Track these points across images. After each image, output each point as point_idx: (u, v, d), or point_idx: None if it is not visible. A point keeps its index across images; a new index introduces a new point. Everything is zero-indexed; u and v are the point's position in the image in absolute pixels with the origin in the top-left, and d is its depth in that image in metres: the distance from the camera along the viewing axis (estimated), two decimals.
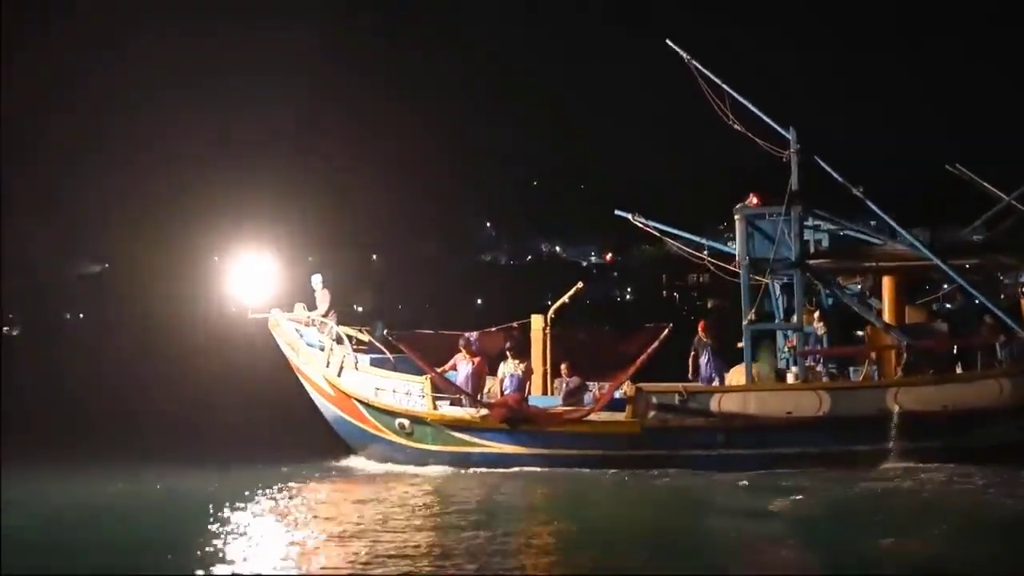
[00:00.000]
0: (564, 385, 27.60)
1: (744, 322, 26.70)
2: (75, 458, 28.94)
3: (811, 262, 26.96)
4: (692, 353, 27.53)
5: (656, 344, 25.60)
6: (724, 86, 27.50)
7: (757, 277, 27.38)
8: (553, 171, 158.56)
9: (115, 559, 18.94)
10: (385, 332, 27.76)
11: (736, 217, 27.09)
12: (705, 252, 29.80)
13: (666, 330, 25.64)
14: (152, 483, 25.68)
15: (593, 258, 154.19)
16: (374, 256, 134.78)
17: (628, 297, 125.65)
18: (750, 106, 27.33)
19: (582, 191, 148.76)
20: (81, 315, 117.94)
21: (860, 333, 28.54)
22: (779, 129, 27.15)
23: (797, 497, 23.33)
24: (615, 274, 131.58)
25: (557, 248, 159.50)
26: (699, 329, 27.47)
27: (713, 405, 25.76)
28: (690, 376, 27.31)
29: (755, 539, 20.34)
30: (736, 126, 27.41)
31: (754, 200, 27.10)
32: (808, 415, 25.41)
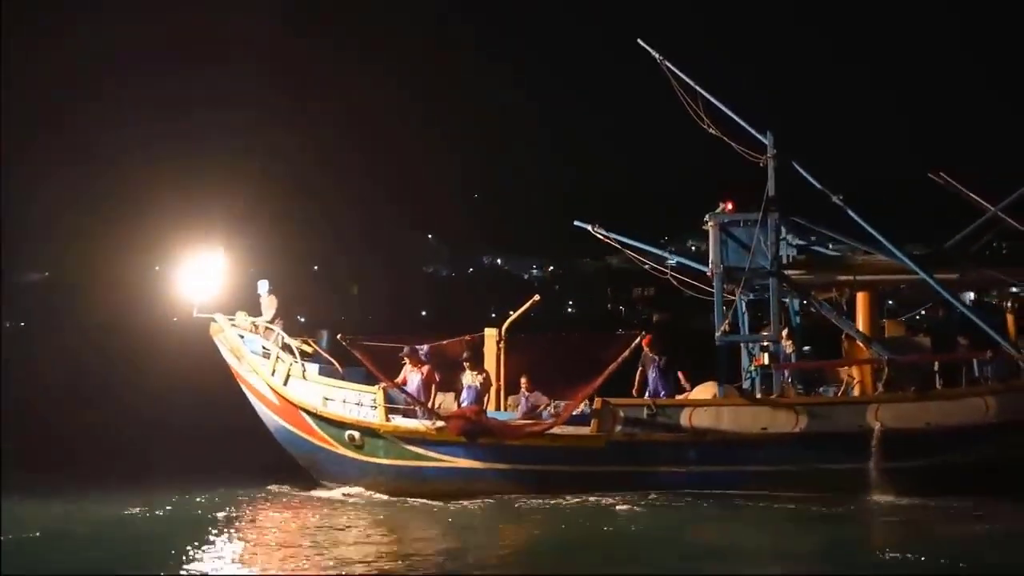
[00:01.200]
0: (523, 401, 26.94)
1: (717, 334, 26.16)
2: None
3: (788, 272, 26.43)
4: (639, 369, 26.83)
5: (626, 353, 25.05)
6: (698, 88, 27.05)
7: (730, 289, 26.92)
8: (495, 183, 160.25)
9: None
10: (339, 336, 26.94)
11: (709, 224, 26.58)
12: (670, 264, 29.25)
13: (639, 338, 25.11)
14: (91, 508, 24.81)
15: (535, 271, 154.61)
16: (315, 267, 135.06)
17: (571, 311, 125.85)
18: (725, 109, 26.88)
19: (524, 203, 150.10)
20: (22, 323, 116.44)
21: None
22: (755, 133, 26.67)
23: (772, 519, 23.02)
24: (556, 287, 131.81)
25: (499, 260, 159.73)
26: (644, 344, 26.68)
27: (683, 420, 25.19)
28: (634, 393, 26.64)
29: (726, 565, 19.80)
30: (711, 130, 26.95)
31: (728, 206, 26.62)
32: (784, 431, 24.89)
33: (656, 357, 26.51)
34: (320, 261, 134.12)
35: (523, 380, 26.97)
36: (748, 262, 26.10)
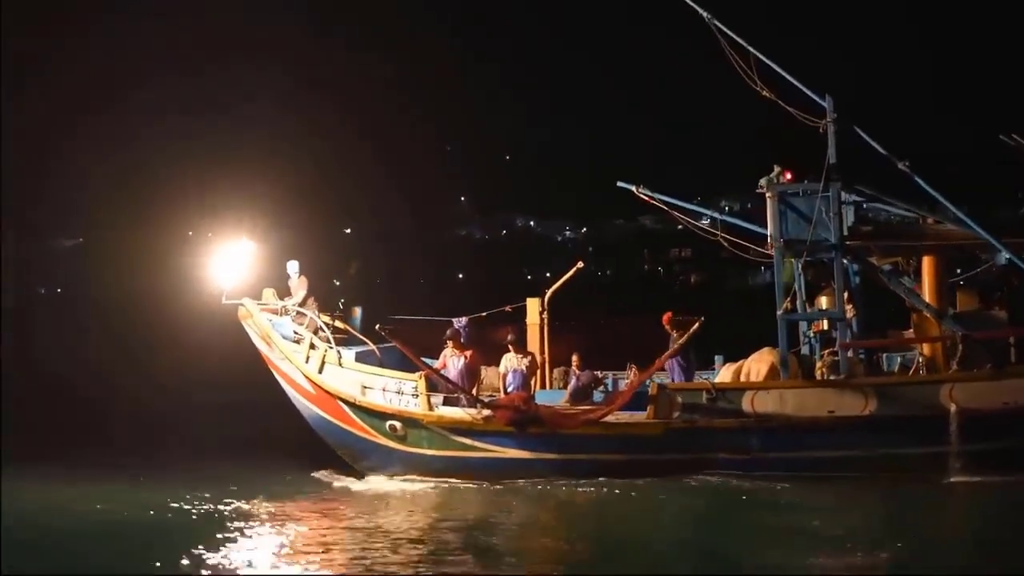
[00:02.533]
0: (574, 379, 26.45)
1: (779, 311, 25.55)
2: (39, 463, 28.05)
3: (852, 243, 25.77)
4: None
5: (685, 339, 24.51)
6: (750, 48, 26.28)
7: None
8: (526, 145, 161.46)
9: None
10: (377, 327, 26.42)
11: (767, 194, 25.91)
12: (719, 227, 28.64)
13: (697, 324, 24.53)
14: (125, 496, 24.59)
15: (568, 233, 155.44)
16: (347, 230, 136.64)
17: (607, 273, 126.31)
18: (779, 70, 26.15)
19: (555, 165, 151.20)
20: (59, 290, 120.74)
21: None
22: (813, 96, 25.96)
23: (840, 507, 22.55)
24: (590, 249, 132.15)
25: (531, 223, 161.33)
26: (663, 321, 26.26)
27: (746, 404, 24.62)
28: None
29: (794, 556, 19.29)
30: (764, 93, 26.22)
31: (787, 175, 26.01)
32: (852, 414, 24.31)
33: (674, 334, 26.01)
34: (352, 225, 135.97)
35: (574, 357, 26.66)
36: (809, 234, 25.46)
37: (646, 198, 29.31)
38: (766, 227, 26.58)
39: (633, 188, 29.34)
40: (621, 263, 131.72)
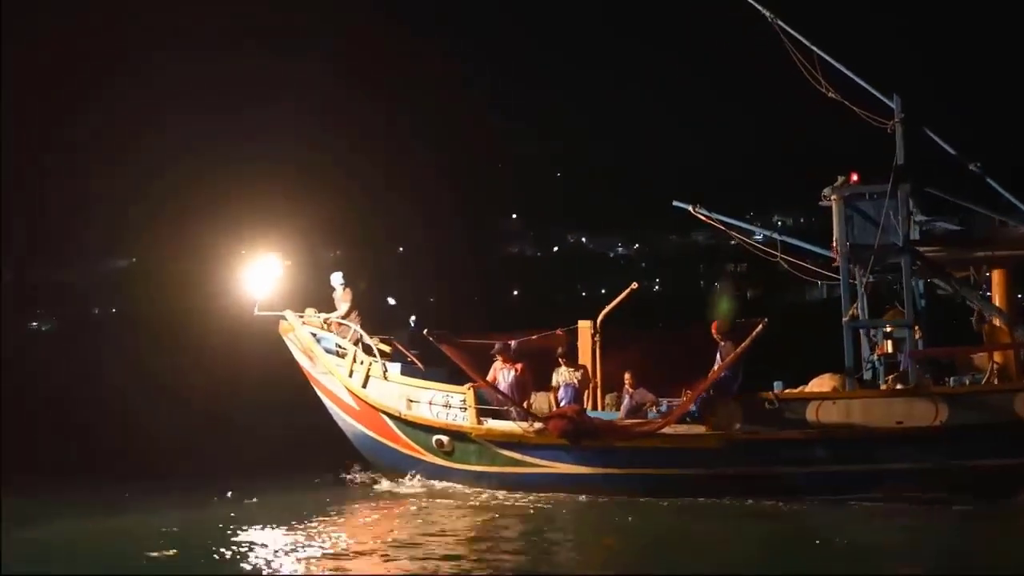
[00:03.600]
0: (627, 399, 26.04)
1: (844, 319, 25.10)
2: (85, 477, 28.33)
3: (923, 249, 25.29)
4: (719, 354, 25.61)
5: (747, 343, 24.02)
6: (814, 48, 25.94)
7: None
8: (577, 162, 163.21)
9: None
10: (424, 332, 26.03)
11: (832, 198, 25.47)
12: (778, 247, 28.19)
13: (760, 326, 24.04)
14: (162, 509, 24.03)
15: (619, 249, 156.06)
16: (400, 248, 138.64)
17: (657, 289, 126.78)
18: (845, 70, 25.78)
19: (605, 182, 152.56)
20: (113, 310, 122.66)
21: None
22: (880, 96, 25.56)
23: (912, 524, 21.95)
24: (642, 265, 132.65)
25: (583, 239, 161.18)
26: (712, 329, 25.64)
27: (809, 414, 24.12)
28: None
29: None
30: (830, 94, 25.85)
31: (854, 177, 25.55)
32: (922, 424, 23.76)
33: (723, 344, 25.36)
34: (404, 243, 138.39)
35: (627, 376, 26.16)
36: (876, 239, 24.99)
37: (703, 218, 29.06)
38: (822, 243, 26.30)
39: (690, 208, 29.12)
40: (676, 279, 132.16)
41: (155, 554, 19.51)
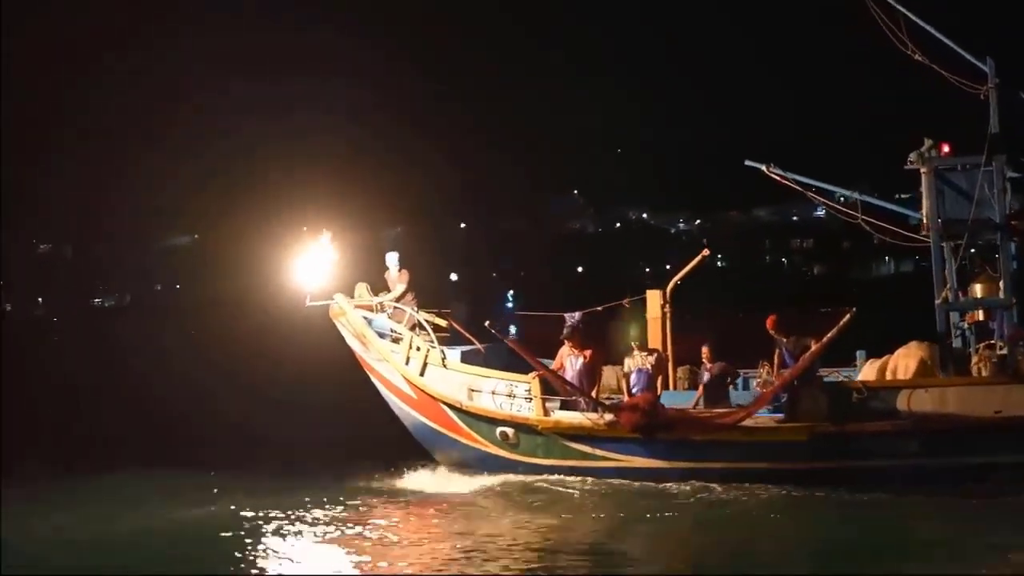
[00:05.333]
0: (706, 374, 25.61)
1: (937, 301, 24.47)
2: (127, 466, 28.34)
3: (1020, 224, 24.64)
4: (776, 351, 25.30)
5: (835, 332, 23.33)
6: (901, 8, 25.25)
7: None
8: (638, 136, 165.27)
9: None
10: (486, 324, 25.48)
11: (922, 170, 24.90)
12: (859, 208, 27.48)
13: (848, 315, 23.34)
14: (209, 495, 24.43)
15: (681, 224, 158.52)
16: (462, 224, 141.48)
17: (720, 265, 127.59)
18: (935, 32, 25.10)
19: (667, 156, 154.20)
20: (177, 286, 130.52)
21: None
22: (973, 60, 24.86)
23: (1009, 520, 21.25)
24: (704, 241, 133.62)
25: (644, 215, 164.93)
26: (768, 325, 25.10)
27: (901, 404, 23.47)
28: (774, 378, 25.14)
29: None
30: (917, 57, 25.17)
31: (945, 149, 24.86)
32: (1022, 414, 23.06)
33: (783, 339, 24.90)
34: (466, 220, 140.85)
35: (705, 349, 25.79)
36: (970, 213, 24.30)
37: (778, 178, 28.30)
38: (907, 209, 25.98)
39: (763, 167, 28.37)
40: (742, 254, 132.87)
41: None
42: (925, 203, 24.91)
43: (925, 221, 25.03)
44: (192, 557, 19.79)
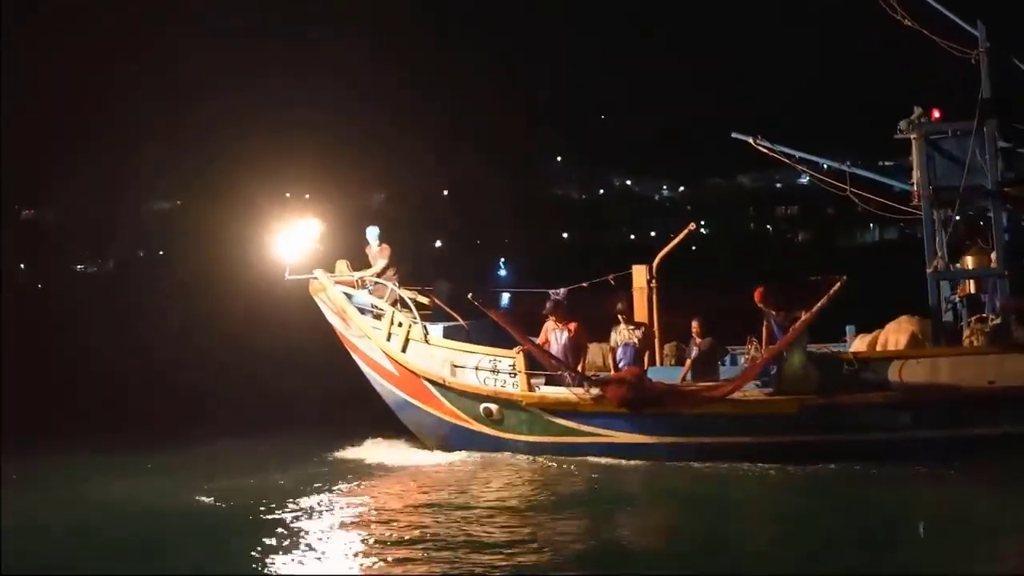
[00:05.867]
0: (695, 349, 25.34)
1: (928, 269, 24.26)
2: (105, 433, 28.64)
3: (1012, 191, 24.42)
4: (764, 324, 24.91)
5: (825, 300, 23.09)
6: None
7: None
8: (622, 102, 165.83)
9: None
10: (469, 296, 25.23)
11: (912, 137, 24.63)
12: (847, 180, 27.27)
13: (838, 283, 23.11)
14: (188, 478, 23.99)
15: (665, 191, 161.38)
16: (444, 192, 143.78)
17: (704, 231, 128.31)
18: None
19: (651, 123, 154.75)
20: (160, 252, 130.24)
21: None
22: (963, 24, 24.63)
23: (1010, 497, 20.98)
24: (688, 208, 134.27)
25: (628, 182, 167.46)
26: (756, 297, 24.73)
27: (892, 375, 23.26)
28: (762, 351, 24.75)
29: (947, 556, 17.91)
30: (907, 22, 24.92)
31: (935, 114, 24.64)
32: (1017, 384, 22.83)
33: (772, 312, 24.57)
34: (449, 186, 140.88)
35: (695, 324, 25.41)
36: (962, 180, 24.08)
37: (765, 150, 28.03)
38: (891, 178, 26.11)
39: (750, 139, 28.08)
40: (727, 222, 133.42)
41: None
42: (916, 170, 24.68)
43: (916, 189, 24.82)
44: (165, 545, 19.30)
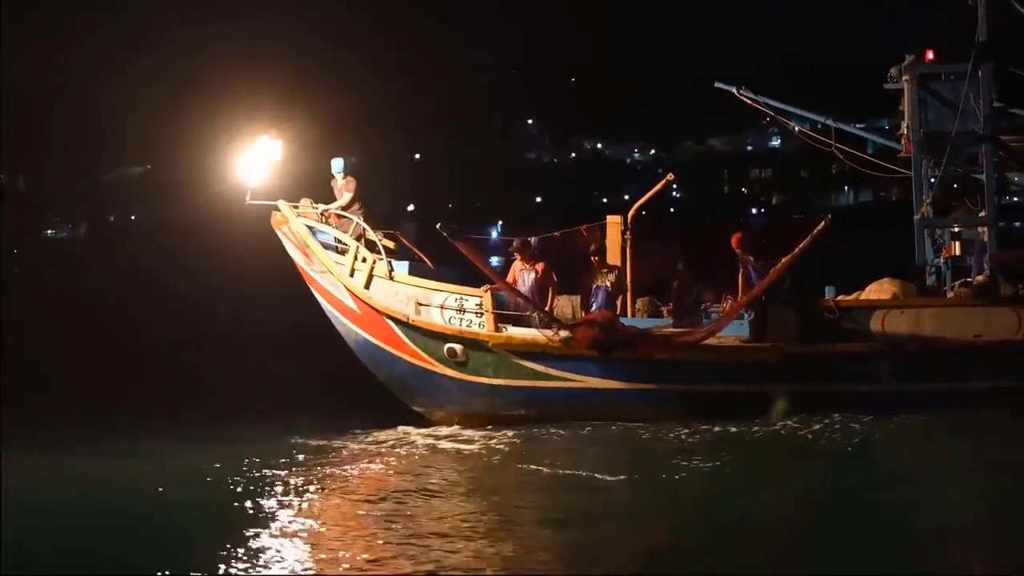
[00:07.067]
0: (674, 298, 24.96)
1: (916, 217, 23.90)
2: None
3: (1007, 138, 24.08)
4: (740, 270, 24.33)
5: (808, 241, 22.63)
6: None
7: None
8: (591, 65, 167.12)
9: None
10: (438, 226, 24.60)
11: (904, 78, 24.38)
12: (833, 136, 26.96)
13: (822, 223, 22.66)
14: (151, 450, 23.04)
15: (636, 155, 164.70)
16: (416, 156, 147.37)
17: (677, 195, 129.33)
18: None
19: (621, 86, 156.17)
20: (132, 217, 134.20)
21: None
22: None
23: (993, 452, 20.78)
24: (659, 171, 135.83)
25: (599, 145, 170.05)
26: (732, 243, 24.30)
27: (875, 325, 23.02)
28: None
29: (938, 518, 17.53)
30: None
31: (929, 56, 24.29)
32: (1003, 338, 22.66)
33: (750, 258, 24.12)
34: (420, 150, 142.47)
35: (680, 267, 25.14)
36: (954, 125, 23.69)
37: (748, 101, 27.71)
38: (884, 136, 26.05)
39: (733, 90, 27.85)
40: (694, 185, 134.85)
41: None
42: (907, 114, 24.51)
43: (906, 132, 24.57)
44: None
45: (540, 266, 24.71)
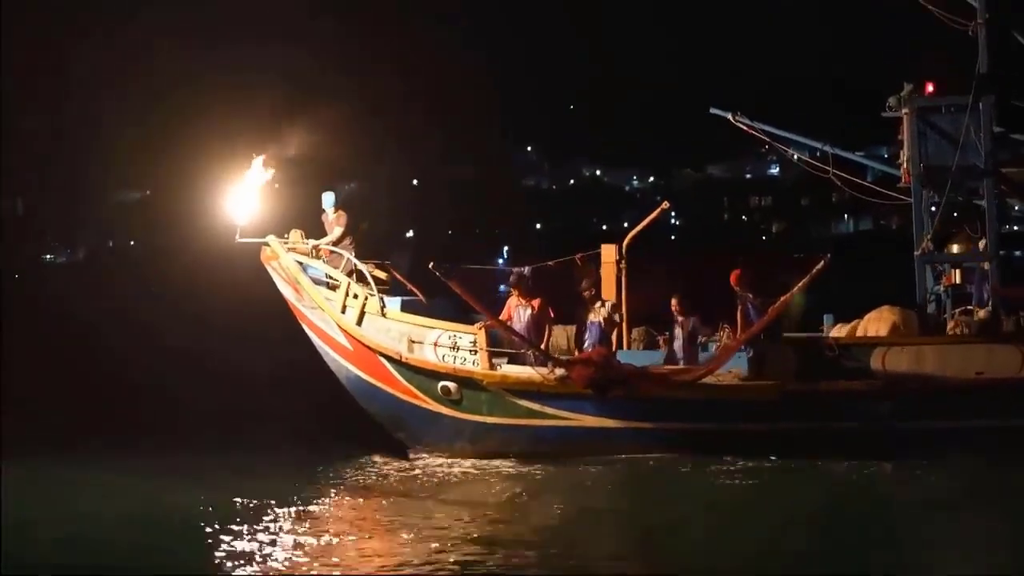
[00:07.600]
0: (679, 330, 24.67)
1: (916, 252, 23.78)
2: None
3: (1009, 171, 23.98)
4: (739, 307, 24.41)
5: (808, 279, 22.52)
6: None
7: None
8: (590, 93, 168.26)
9: None
10: (430, 265, 24.45)
11: (904, 111, 24.27)
12: (831, 162, 26.83)
13: (822, 262, 22.53)
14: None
15: (635, 182, 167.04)
16: (415, 181, 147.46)
17: (675, 223, 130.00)
18: None
19: (620, 114, 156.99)
20: (131, 242, 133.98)
21: None
22: None
23: (994, 492, 20.73)
24: (658, 198, 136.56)
25: (598, 172, 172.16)
26: (732, 280, 24.37)
27: (875, 363, 22.83)
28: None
29: (940, 559, 17.45)
30: None
31: (929, 88, 24.20)
32: (1006, 376, 22.51)
33: (749, 295, 24.15)
34: (418, 176, 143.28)
35: (674, 301, 24.75)
36: (955, 159, 23.58)
37: (744, 127, 27.59)
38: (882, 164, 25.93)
39: (729, 116, 27.70)
40: (692, 213, 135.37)
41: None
42: (907, 147, 24.40)
43: (905, 166, 24.47)
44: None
45: (536, 302, 24.57)
